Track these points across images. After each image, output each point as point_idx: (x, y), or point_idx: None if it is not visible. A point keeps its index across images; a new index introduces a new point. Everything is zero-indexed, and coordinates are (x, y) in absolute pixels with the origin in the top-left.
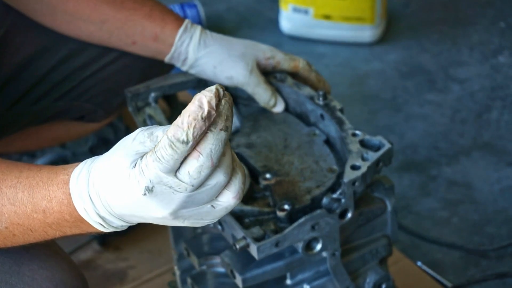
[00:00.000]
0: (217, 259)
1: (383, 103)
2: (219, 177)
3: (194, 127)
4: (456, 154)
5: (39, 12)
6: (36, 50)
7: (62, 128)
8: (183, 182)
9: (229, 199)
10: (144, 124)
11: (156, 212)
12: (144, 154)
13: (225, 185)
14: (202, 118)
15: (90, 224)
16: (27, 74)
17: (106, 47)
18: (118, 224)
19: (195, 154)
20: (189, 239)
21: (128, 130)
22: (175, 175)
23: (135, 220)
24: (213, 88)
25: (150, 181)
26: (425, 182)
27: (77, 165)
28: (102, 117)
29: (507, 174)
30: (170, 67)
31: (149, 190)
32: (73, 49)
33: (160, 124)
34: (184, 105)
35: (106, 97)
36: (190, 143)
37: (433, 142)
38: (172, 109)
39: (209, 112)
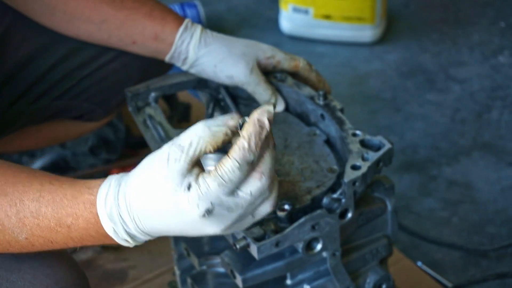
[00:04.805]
0: (217, 259)
1: (383, 103)
2: (266, 193)
3: (261, 147)
4: (456, 154)
5: (38, 12)
6: (35, 49)
7: (61, 127)
8: (242, 201)
9: (267, 208)
10: (144, 124)
11: (209, 230)
12: (198, 175)
13: None
14: (265, 137)
15: (114, 240)
16: (26, 73)
17: (106, 46)
18: (145, 239)
19: (256, 174)
20: (189, 239)
21: (128, 130)
22: (233, 195)
23: (168, 235)
24: (270, 108)
25: (212, 204)
26: (425, 182)
27: (100, 184)
28: (101, 116)
29: (507, 174)
30: (169, 66)
31: (209, 212)
32: (72, 48)
33: (160, 124)
34: (184, 105)
35: (105, 96)
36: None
37: (433, 142)
38: (172, 109)
39: (269, 131)
